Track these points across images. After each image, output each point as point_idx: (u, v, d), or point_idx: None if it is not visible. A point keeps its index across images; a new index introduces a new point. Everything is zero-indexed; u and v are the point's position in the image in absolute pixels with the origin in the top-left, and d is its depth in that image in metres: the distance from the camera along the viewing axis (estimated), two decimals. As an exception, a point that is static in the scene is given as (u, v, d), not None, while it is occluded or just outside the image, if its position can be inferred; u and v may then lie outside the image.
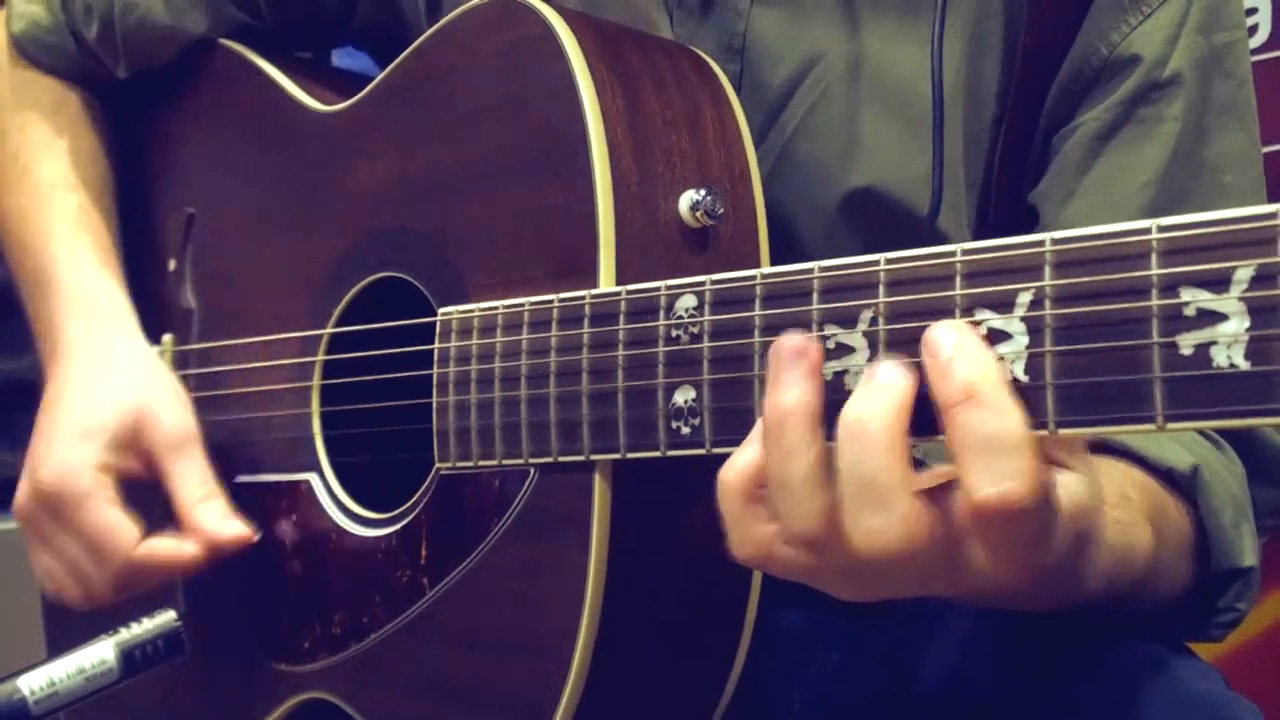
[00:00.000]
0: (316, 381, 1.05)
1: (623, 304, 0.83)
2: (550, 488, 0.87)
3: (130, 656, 0.89)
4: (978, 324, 0.66)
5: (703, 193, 0.89)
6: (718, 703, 0.93)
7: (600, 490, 0.85)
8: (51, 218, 1.16)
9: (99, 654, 0.88)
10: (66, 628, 1.28)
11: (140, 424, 1.04)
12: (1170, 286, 0.60)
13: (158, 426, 1.04)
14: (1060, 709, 0.92)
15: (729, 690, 0.93)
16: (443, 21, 0.99)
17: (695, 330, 0.79)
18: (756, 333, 0.75)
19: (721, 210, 0.90)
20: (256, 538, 1.03)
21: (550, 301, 0.87)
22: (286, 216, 1.11)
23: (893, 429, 0.65)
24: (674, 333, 0.80)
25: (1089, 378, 0.62)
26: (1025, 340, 0.65)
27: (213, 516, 1.02)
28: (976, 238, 1.02)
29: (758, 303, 0.75)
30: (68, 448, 1.03)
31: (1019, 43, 1.01)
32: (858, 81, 1.02)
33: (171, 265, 1.19)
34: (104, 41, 1.21)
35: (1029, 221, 1.04)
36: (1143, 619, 0.95)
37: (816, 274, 0.73)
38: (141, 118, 1.24)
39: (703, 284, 0.79)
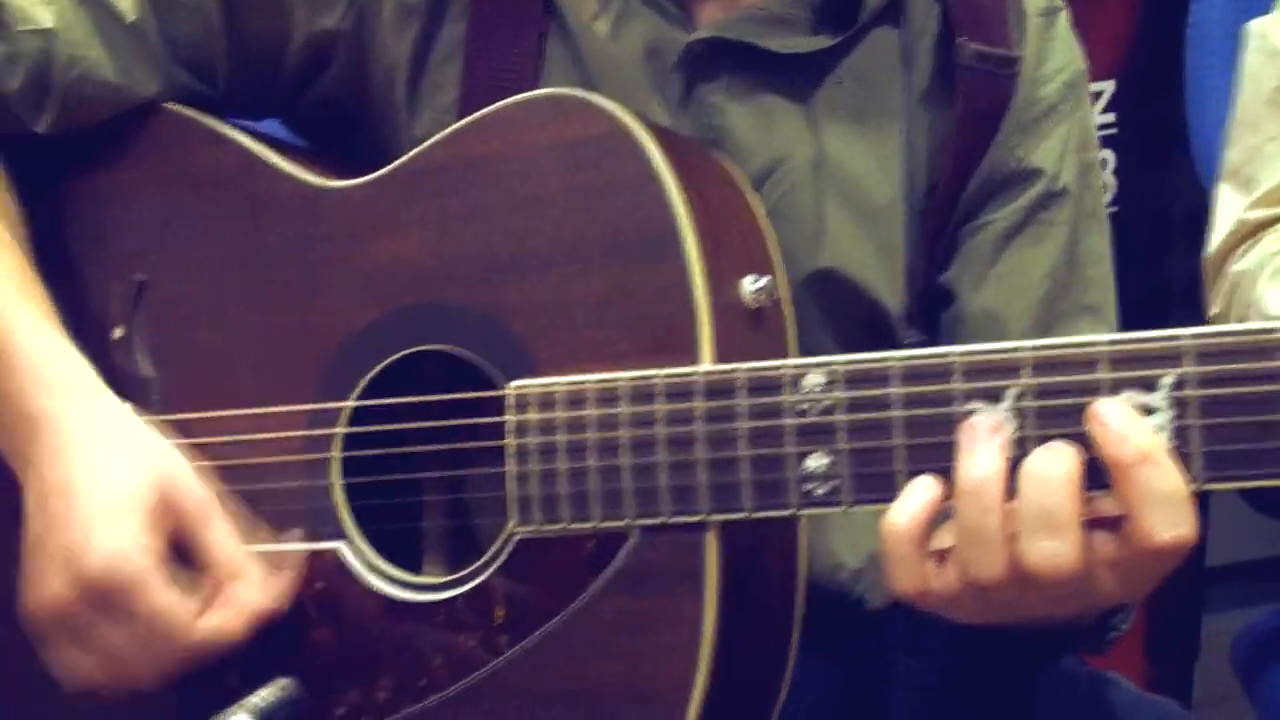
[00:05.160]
0: (336, 453, 1.07)
1: (741, 380, 0.93)
2: (656, 544, 0.96)
3: None
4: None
5: (759, 278, 1.01)
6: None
7: (711, 544, 0.95)
8: None
9: None
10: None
11: (166, 496, 1.02)
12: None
13: (182, 496, 1.02)
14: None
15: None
16: (484, 112, 1.05)
17: (827, 404, 0.91)
18: (897, 407, 0.88)
19: (778, 295, 1.02)
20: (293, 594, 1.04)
21: (652, 378, 0.96)
22: (277, 288, 1.11)
23: (1071, 473, 0.83)
24: (801, 407, 0.91)
25: (1232, 445, 0.80)
26: (1171, 414, 0.82)
27: (254, 587, 1.02)
28: (909, 312, 1.20)
29: (896, 381, 0.89)
30: (107, 532, 0.99)
31: (941, 154, 1.18)
32: (820, 178, 1.16)
33: (117, 333, 1.15)
34: (28, 94, 1.15)
35: (943, 299, 1.22)
36: (1049, 635, 1.16)
37: (957, 357, 0.87)
38: (57, 180, 1.19)
39: (830, 364, 0.91)
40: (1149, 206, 2.34)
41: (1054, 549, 0.82)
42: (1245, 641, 1.52)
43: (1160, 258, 2.58)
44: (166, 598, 0.99)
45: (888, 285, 1.18)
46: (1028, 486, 0.83)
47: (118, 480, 1.02)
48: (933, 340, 1.18)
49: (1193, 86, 1.76)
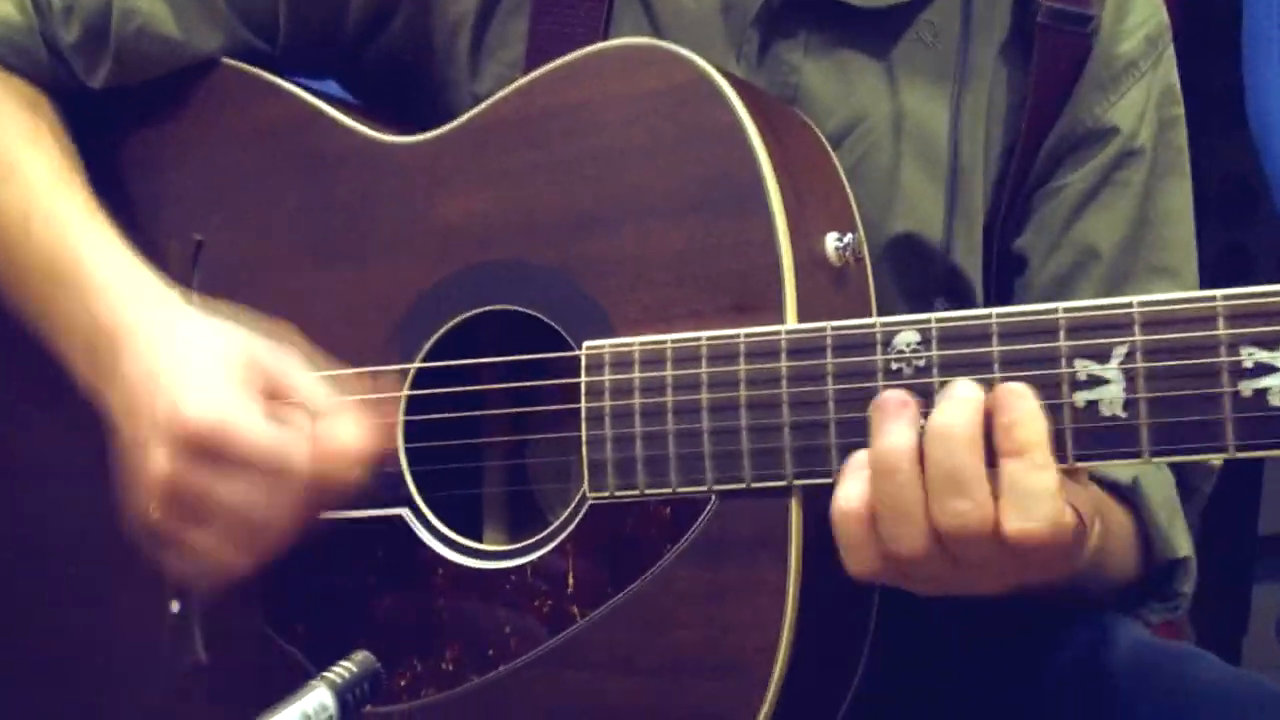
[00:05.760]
0: (401, 417, 1.04)
1: (829, 339, 0.89)
2: (737, 510, 0.92)
3: (345, 700, 0.86)
4: (1242, 359, 0.79)
5: (843, 236, 0.97)
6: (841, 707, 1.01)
7: (795, 510, 0.91)
8: (56, 209, 1.07)
9: (319, 699, 0.85)
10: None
11: (250, 358, 0.98)
12: None
13: (265, 356, 0.99)
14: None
15: (849, 696, 1.01)
16: (559, 62, 1.01)
17: (920, 364, 0.87)
18: (997, 366, 0.85)
19: (861, 253, 0.98)
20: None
21: (734, 336, 0.92)
22: (339, 246, 1.08)
23: (973, 431, 0.82)
24: (895, 366, 0.88)
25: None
26: (1298, 369, 0.78)
27: (351, 420, 0.98)
28: (984, 276, 1.16)
29: (995, 339, 0.85)
30: (198, 390, 0.95)
31: (1019, 113, 1.14)
32: (899, 138, 1.12)
33: (175, 294, 1.12)
34: (84, 46, 1.13)
35: (1015, 266, 1.18)
36: (1108, 603, 1.13)
37: (1062, 314, 0.83)
38: (113, 139, 1.16)
39: (926, 321, 0.87)
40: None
41: (964, 509, 0.81)
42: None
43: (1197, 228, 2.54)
44: (270, 431, 0.94)
45: (967, 251, 1.14)
46: (932, 446, 0.82)
47: (202, 351, 0.98)
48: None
49: (1250, 51, 1.72)
